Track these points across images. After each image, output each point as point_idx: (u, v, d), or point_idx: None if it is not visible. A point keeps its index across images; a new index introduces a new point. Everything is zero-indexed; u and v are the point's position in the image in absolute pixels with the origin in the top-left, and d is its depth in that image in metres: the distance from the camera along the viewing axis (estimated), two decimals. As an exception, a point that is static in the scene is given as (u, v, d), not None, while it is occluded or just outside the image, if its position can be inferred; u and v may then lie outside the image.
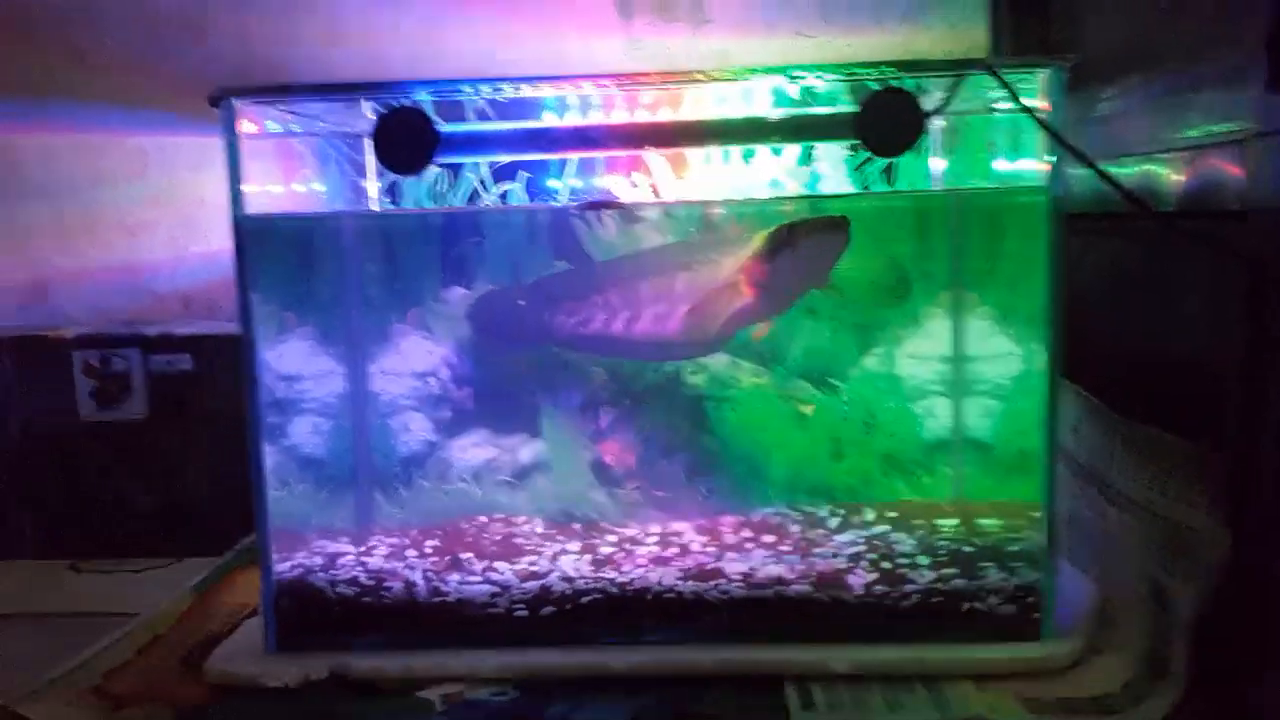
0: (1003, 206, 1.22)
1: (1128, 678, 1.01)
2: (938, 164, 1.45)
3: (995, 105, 1.24)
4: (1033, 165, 1.28)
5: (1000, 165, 1.40)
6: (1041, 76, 1.04)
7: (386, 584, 1.17)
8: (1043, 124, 0.99)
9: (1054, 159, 1.04)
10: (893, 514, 1.29)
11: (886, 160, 1.38)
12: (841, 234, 1.10)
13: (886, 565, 1.17)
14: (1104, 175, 0.97)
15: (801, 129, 1.11)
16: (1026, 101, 1.01)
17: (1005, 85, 0.99)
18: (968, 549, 1.19)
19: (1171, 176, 1.07)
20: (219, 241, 1.15)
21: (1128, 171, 1.16)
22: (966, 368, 1.29)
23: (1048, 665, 1.07)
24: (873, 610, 1.12)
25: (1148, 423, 1.07)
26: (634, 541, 1.28)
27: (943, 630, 1.11)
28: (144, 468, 1.49)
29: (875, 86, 1.06)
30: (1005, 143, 1.37)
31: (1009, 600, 1.11)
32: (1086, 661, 1.07)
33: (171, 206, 1.69)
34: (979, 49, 1.55)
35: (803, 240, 1.12)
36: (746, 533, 1.28)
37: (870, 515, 1.28)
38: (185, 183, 1.68)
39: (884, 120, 1.02)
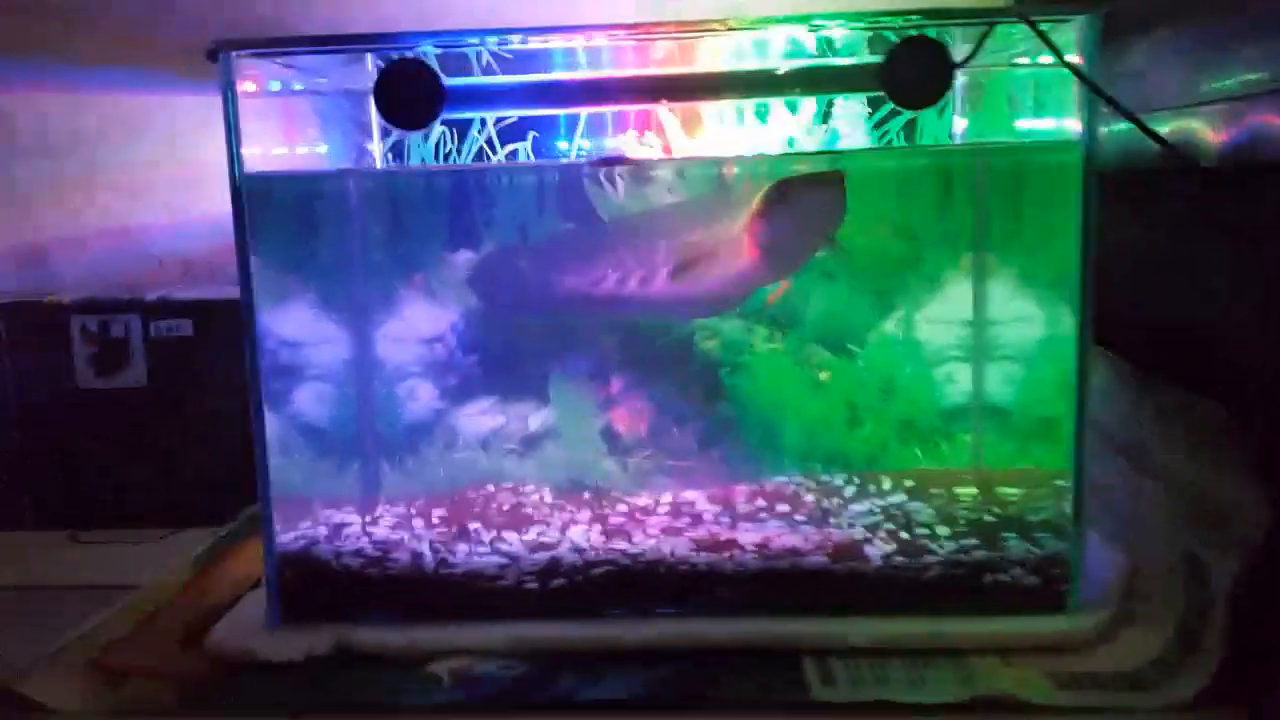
0: (1033, 164, 1.18)
1: (1158, 652, 0.97)
2: (959, 123, 1.40)
3: (1024, 58, 1.18)
4: (1056, 123, 1.24)
5: (1022, 124, 1.35)
6: (1075, 26, 0.99)
7: (392, 555, 1.14)
8: (1080, 75, 0.94)
9: (1087, 113, 0.99)
10: (910, 483, 1.26)
11: (906, 118, 1.33)
12: (834, 190, 1.06)
13: (906, 535, 1.14)
14: (1146, 128, 0.92)
15: (823, 81, 1.06)
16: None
17: (1041, 35, 0.94)
18: (990, 519, 1.16)
19: (1209, 131, 1.02)
20: (221, 203, 1.10)
21: (1161, 127, 1.11)
22: (990, 332, 1.25)
23: (1075, 639, 1.03)
24: (892, 582, 1.08)
25: (1174, 388, 1.03)
26: (645, 511, 1.25)
27: (966, 602, 1.07)
28: (144, 436, 1.47)
29: (896, 37, 1.01)
30: (1028, 99, 1.32)
31: (1034, 571, 1.07)
32: (1115, 635, 1.03)
33: (172, 167, 1.65)
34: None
35: (795, 198, 1.08)
36: (760, 502, 1.25)
37: (889, 484, 1.25)
38: (186, 143, 1.64)
39: (910, 71, 0.97)
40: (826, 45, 1.20)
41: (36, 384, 1.47)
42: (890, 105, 1.33)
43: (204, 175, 1.54)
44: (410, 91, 1.02)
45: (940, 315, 1.29)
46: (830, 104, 1.32)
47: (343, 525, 1.22)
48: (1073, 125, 1.17)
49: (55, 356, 1.46)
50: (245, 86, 1.13)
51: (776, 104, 1.32)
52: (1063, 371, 1.13)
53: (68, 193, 1.65)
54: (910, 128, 1.35)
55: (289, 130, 1.37)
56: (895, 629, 1.04)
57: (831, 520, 1.19)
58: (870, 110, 1.34)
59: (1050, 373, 1.18)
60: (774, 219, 1.11)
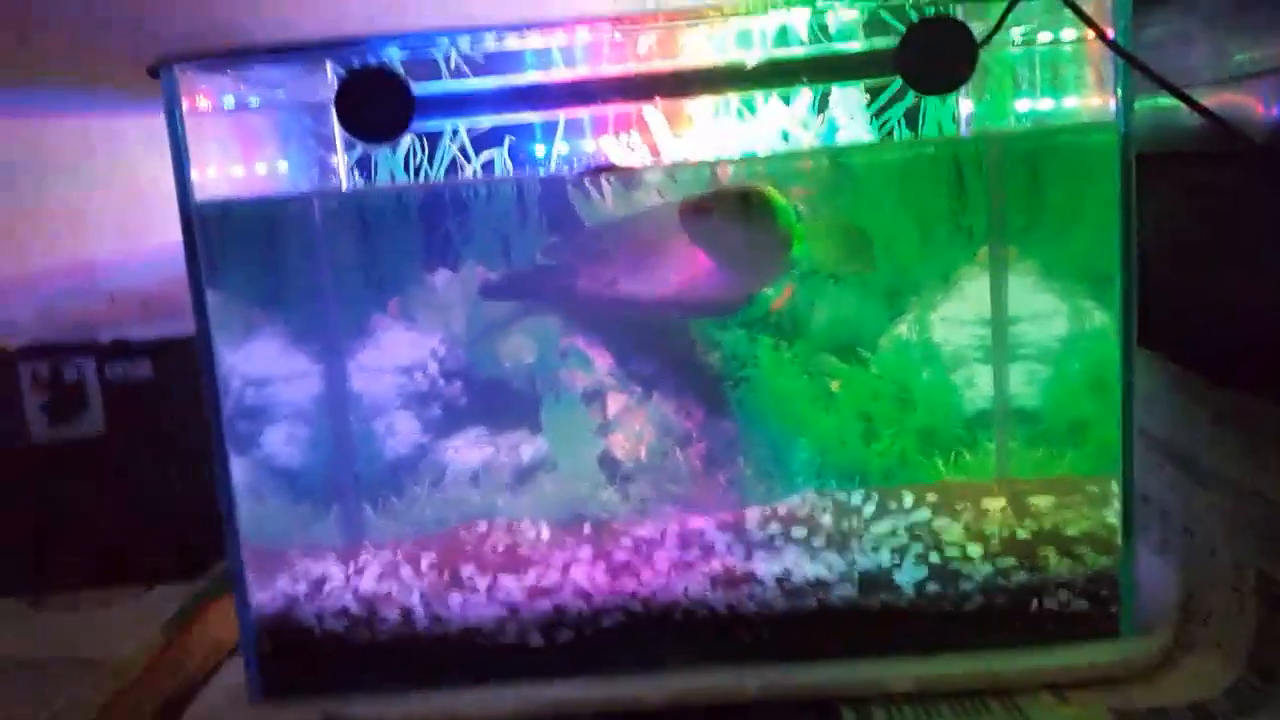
0: (1064, 147, 1.09)
1: (1229, 682, 0.89)
2: (965, 106, 1.31)
3: (1045, 33, 1.09)
4: (1071, 103, 1.15)
5: (1023, 106, 1.26)
6: (1105, -3, 0.90)
7: (380, 613, 1.04)
8: (1116, 48, 0.85)
9: (1123, 91, 0.90)
10: (933, 498, 1.17)
11: (907, 104, 1.24)
12: (744, 208, 0.96)
13: (936, 558, 1.04)
14: (1192, 103, 0.83)
15: (833, 68, 0.97)
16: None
17: (1073, 5, 0.85)
18: (1025, 535, 1.07)
19: (1254, 104, 0.93)
20: (178, 232, 1.00)
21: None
22: (1015, 331, 1.17)
23: (1133, 667, 0.95)
24: (930, 616, 0.99)
25: (1232, 392, 0.94)
26: (651, 543, 1.16)
27: (1011, 633, 0.98)
28: (106, 488, 1.36)
29: (913, 16, 0.92)
30: (1039, 79, 1.24)
31: (1081, 594, 0.99)
32: (1177, 662, 0.95)
33: (123, 194, 1.54)
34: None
35: (706, 218, 0.99)
36: (774, 527, 1.15)
37: (928, 499, 1.16)
38: (139, 166, 1.53)
39: (931, 53, 0.88)
40: (820, 32, 1.11)
41: (-16, 437, 1.36)
42: (891, 91, 1.25)
43: (159, 201, 1.42)
44: (375, 102, 0.92)
45: (961, 315, 1.21)
46: (827, 93, 1.23)
47: (323, 579, 1.12)
48: (1087, 104, 1.09)
49: (4, 406, 1.34)
50: (199, 102, 1.03)
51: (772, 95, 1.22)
52: (1099, 372, 1.05)
53: (10, 224, 1.53)
54: (913, 115, 1.26)
55: (245, 148, 1.26)
56: (937, 668, 0.96)
57: (854, 544, 1.10)
58: (870, 97, 1.25)
59: (1085, 373, 1.10)
60: (700, 237, 1.03)
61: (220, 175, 1.15)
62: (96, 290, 1.53)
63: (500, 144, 1.25)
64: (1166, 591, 1.00)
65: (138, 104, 1.45)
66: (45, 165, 1.53)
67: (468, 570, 1.10)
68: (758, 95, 1.20)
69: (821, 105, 1.24)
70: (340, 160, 1.32)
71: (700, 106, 1.21)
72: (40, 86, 1.51)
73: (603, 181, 1.22)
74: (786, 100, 1.23)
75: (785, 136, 1.25)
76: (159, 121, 1.00)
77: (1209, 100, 0.96)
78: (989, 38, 0.91)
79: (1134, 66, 0.84)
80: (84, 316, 1.48)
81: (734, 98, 1.19)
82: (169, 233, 1.05)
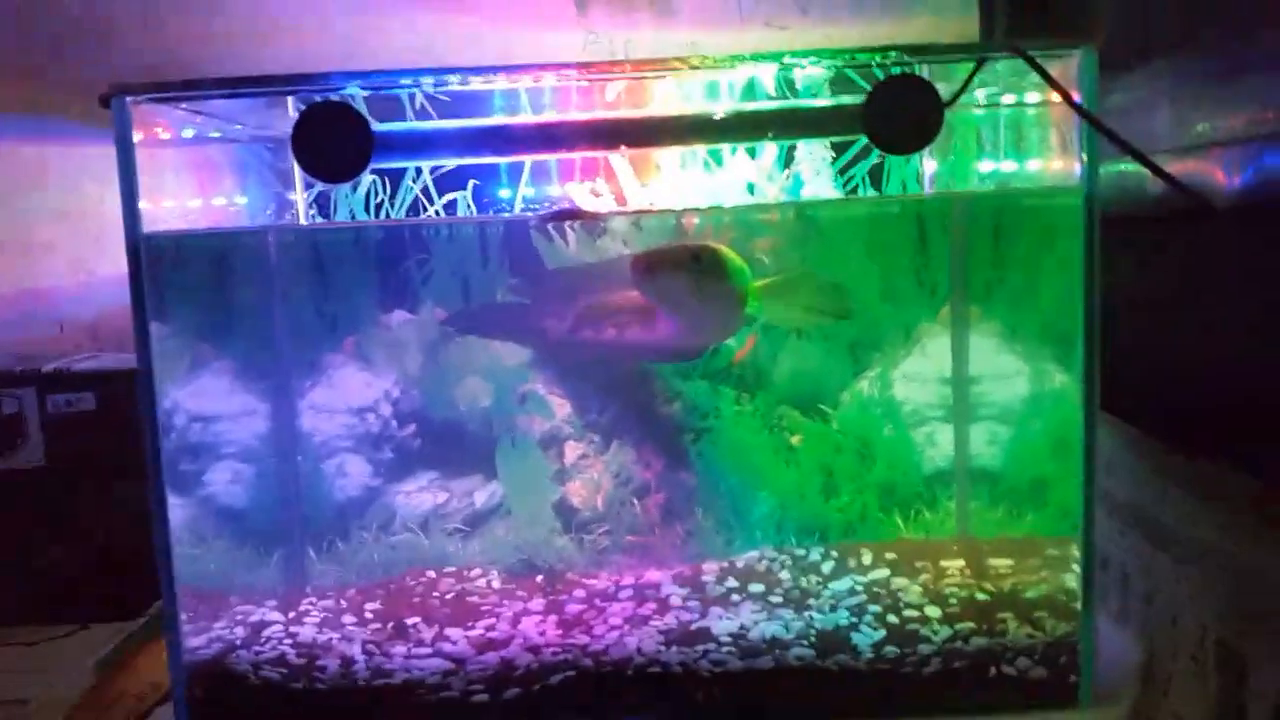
0: (1029, 208, 1.09)
1: (1189, 754, 0.87)
2: (929, 165, 1.32)
3: (1010, 97, 1.10)
4: (1034, 165, 1.16)
5: (987, 167, 1.27)
6: (1071, 61, 0.90)
7: (320, 662, 1.00)
8: (1083, 112, 0.85)
9: (1090, 153, 0.89)
10: (892, 555, 1.15)
11: (872, 161, 1.24)
12: (694, 267, 0.95)
13: (894, 619, 1.02)
14: (1155, 168, 0.83)
15: (798, 124, 0.96)
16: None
17: (1039, 69, 0.85)
18: (983, 596, 1.05)
19: (1217, 171, 0.93)
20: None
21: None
22: (977, 390, 1.16)
23: (1090, 737, 0.92)
24: (887, 678, 0.97)
25: (1196, 456, 0.93)
26: (605, 596, 1.13)
27: (968, 698, 0.96)
28: (44, 522, 1.31)
29: (879, 75, 0.92)
30: (1003, 140, 1.24)
31: (1040, 661, 0.97)
32: (1135, 731, 0.92)
33: (76, 223, 1.50)
34: (970, 40, 1.41)
35: (650, 276, 0.97)
36: (732, 581, 1.13)
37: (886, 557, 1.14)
38: (91, 197, 1.50)
39: (898, 112, 0.87)
40: (786, 88, 1.11)
41: (-83, 469, 1.31)
42: (856, 148, 1.25)
43: (111, 231, 1.39)
44: (334, 139, 0.89)
45: (923, 372, 1.20)
46: (793, 148, 1.23)
47: (262, 625, 1.08)
48: (1050, 167, 1.09)
49: (-62, 437, 1.30)
50: (157, 132, 1.01)
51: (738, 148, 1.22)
52: (1060, 433, 1.04)
53: (-43, 253, 1.49)
54: (877, 172, 1.26)
55: (200, 182, 1.24)
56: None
57: (811, 602, 1.08)
58: (835, 154, 1.25)
59: (1047, 434, 1.09)
60: (659, 304, 1.02)
61: (175, 208, 1.12)
62: (45, 320, 1.49)
63: (464, 186, 1.23)
64: (1126, 659, 0.99)
65: (94, 133, 1.42)
66: (-5, 195, 1.50)
67: (413, 620, 1.07)
68: (724, 148, 1.20)
69: (788, 160, 1.24)
70: (299, 195, 1.29)
71: (668, 157, 1.21)
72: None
73: (566, 228, 1.21)
74: (753, 154, 1.23)
75: (751, 189, 1.25)
76: (113, 152, 0.97)
77: (1172, 167, 0.97)
78: (955, 98, 0.91)
79: (1099, 131, 0.84)
80: (31, 346, 1.44)
81: (701, 149, 1.19)
82: (121, 263, 1.02)
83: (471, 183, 1.22)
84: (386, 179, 1.24)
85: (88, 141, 1.46)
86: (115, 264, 1.42)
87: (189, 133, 1.15)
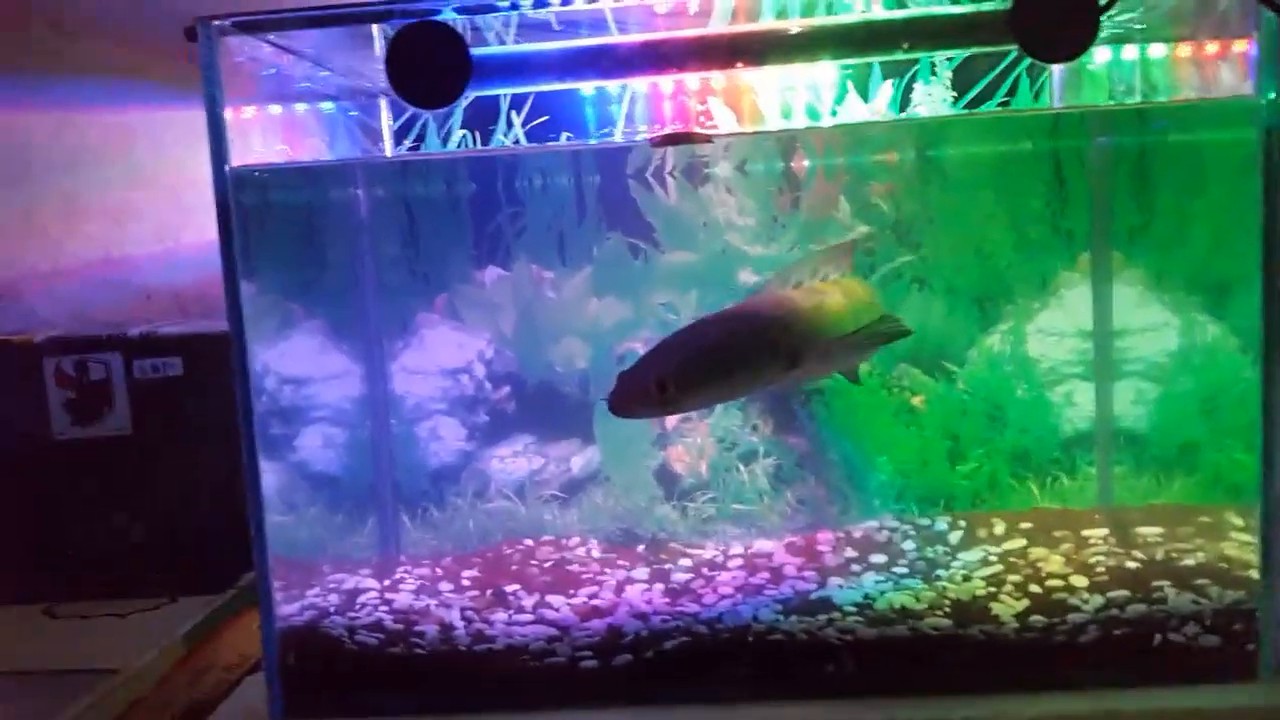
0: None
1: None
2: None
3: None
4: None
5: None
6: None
7: (417, 628, 0.94)
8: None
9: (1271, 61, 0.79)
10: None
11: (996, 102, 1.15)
12: (651, 403, 0.84)
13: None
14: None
15: (937, 32, 0.86)
16: None
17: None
18: (1152, 567, 0.95)
19: None
20: (215, 229, 0.93)
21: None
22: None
23: (1274, 714, 0.82)
24: (1037, 648, 0.87)
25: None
26: (713, 566, 1.05)
27: (1128, 671, 0.86)
28: (130, 491, 1.27)
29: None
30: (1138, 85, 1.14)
31: (1211, 630, 0.87)
32: (1323, 710, 0.82)
33: (161, 190, 1.47)
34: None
35: (627, 413, 0.88)
36: (850, 552, 1.05)
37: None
38: (176, 162, 1.46)
39: (1048, 15, 0.78)
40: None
41: (5, 435, 1.28)
42: (981, 86, 1.16)
43: (196, 198, 1.35)
44: (429, 61, 0.83)
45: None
46: (911, 90, 1.14)
47: (357, 591, 1.02)
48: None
49: (27, 403, 1.27)
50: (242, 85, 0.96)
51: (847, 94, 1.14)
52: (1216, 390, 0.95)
53: (46, 222, 1.47)
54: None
55: (290, 143, 1.19)
56: (1046, 707, 0.84)
57: (941, 572, 0.99)
58: (956, 95, 1.16)
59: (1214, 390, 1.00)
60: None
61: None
62: (131, 286, 1.46)
63: (556, 138, 1.17)
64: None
65: (180, 98, 1.39)
66: (82, 160, 1.48)
67: (512, 588, 1.01)
68: (829, 94, 1.12)
69: (904, 105, 1.16)
70: (388, 152, 1.24)
71: (770, 103, 1.13)
72: (79, 78, 1.46)
73: (665, 174, 1.14)
74: (865, 98, 1.14)
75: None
76: (198, 116, 0.92)
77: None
78: (1111, 3, 0.81)
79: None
80: (119, 314, 1.42)
81: (809, 96, 1.11)
82: (208, 230, 0.98)
83: (565, 136, 1.16)
84: (477, 133, 1.18)
85: (172, 105, 1.43)
86: (203, 232, 1.39)
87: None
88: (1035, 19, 0.79)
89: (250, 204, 0.93)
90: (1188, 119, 1.03)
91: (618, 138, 1.09)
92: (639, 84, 1.09)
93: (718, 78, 1.11)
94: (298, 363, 1.12)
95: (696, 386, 0.85)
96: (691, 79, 1.10)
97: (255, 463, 0.92)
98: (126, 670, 1.03)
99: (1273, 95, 0.81)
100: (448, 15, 0.87)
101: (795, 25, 0.88)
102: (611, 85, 1.08)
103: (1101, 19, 0.79)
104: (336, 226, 1.14)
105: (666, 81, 1.10)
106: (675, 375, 0.83)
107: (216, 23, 0.88)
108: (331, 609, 0.99)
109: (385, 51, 0.84)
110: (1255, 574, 0.87)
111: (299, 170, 1.11)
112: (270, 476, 0.97)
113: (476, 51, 0.86)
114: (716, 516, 1.15)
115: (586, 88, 1.10)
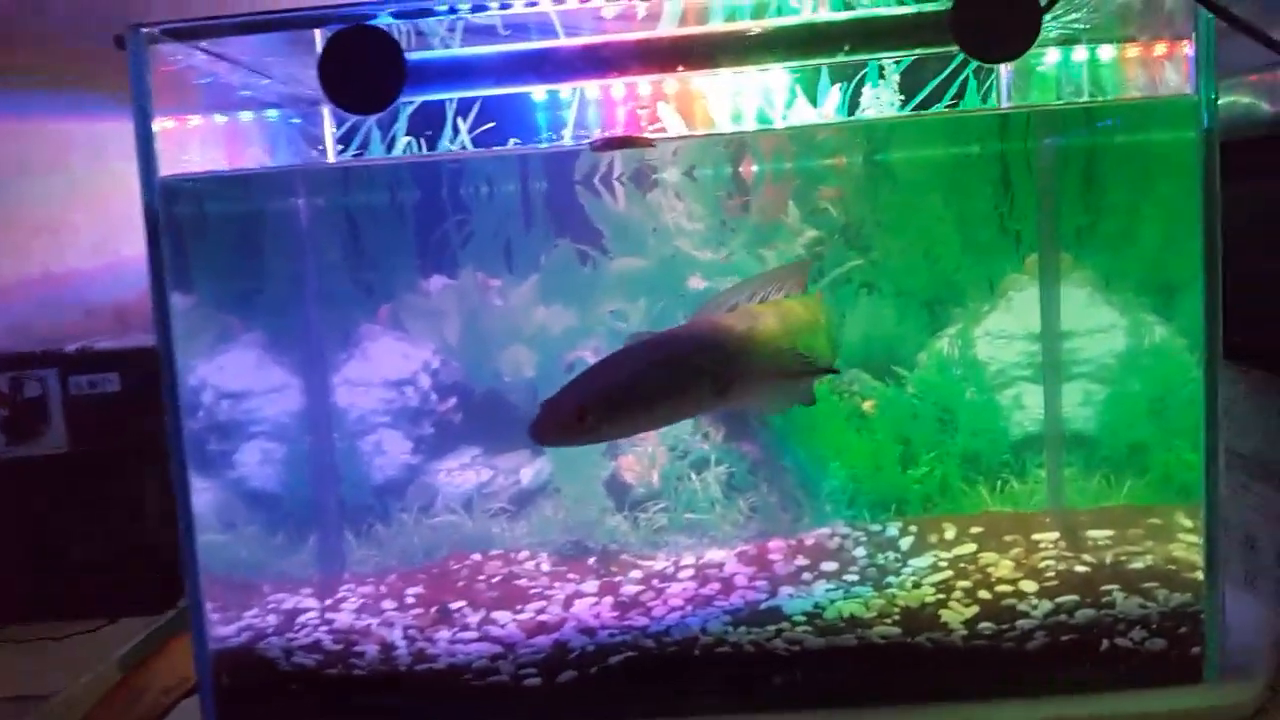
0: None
1: (1342, 737, 0.76)
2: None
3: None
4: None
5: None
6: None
7: (357, 648, 0.92)
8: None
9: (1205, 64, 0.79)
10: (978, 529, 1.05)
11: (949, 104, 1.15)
12: (573, 433, 0.83)
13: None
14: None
15: (879, 33, 0.85)
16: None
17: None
18: (1101, 571, 0.95)
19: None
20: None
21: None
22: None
23: (1220, 716, 0.82)
24: (987, 656, 0.86)
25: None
26: (664, 578, 1.04)
27: (1076, 676, 0.86)
28: (68, 511, 1.25)
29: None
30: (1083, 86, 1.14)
31: (1158, 633, 0.86)
32: (1270, 713, 0.82)
33: (100, 203, 1.44)
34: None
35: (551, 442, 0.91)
36: (800, 560, 1.04)
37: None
38: (117, 174, 1.43)
39: (989, 15, 0.77)
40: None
41: (-64, 456, 1.25)
42: (928, 90, 1.15)
43: (137, 211, 1.33)
44: (363, 65, 0.81)
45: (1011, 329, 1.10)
46: (859, 92, 1.13)
47: (297, 612, 1.00)
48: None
49: (-42, 422, 1.23)
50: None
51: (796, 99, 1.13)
52: (1164, 390, 0.94)
53: (-20, 235, 1.44)
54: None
55: (230, 153, 1.16)
56: (995, 715, 0.83)
57: (891, 580, 0.98)
58: (904, 99, 1.16)
59: (1168, 391, 0.99)
60: None
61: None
62: (70, 302, 1.43)
63: (504, 144, 1.15)
64: (1258, 631, 0.88)
65: (120, 109, 1.36)
66: (19, 173, 1.44)
67: (457, 604, 0.99)
68: (780, 99, 1.11)
69: (852, 108, 1.15)
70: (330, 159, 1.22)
71: (720, 109, 1.12)
72: (15, 90, 1.43)
73: (613, 181, 1.13)
74: (814, 102, 1.14)
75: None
76: None
77: None
78: (1052, 3, 0.81)
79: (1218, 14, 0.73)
80: (58, 330, 1.38)
81: (759, 99, 1.10)
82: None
83: (512, 141, 1.14)
84: (423, 141, 1.16)
85: (112, 116, 1.40)
86: (141, 244, 1.36)
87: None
88: (975, 19, 0.79)
89: (184, 215, 0.91)
90: (1129, 119, 1.03)
91: (567, 142, 1.07)
92: (591, 89, 1.08)
93: (670, 82, 1.10)
94: (235, 377, 1.09)
95: (617, 415, 0.83)
96: (643, 84, 1.09)
97: (185, 481, 0.90)
98: (58, 696, 1.00)
99: (1209, 95, 0.81)
100: (383, 20, 0.86)
101: (736, 28, 0.86)
102: (564, 90, 1.07)
103: (1044, 19, 0.79)
104: (275, 236, 1.12)
105: (618, 86, 1.09)
106: (596, 404, 0.81)
107: (146, 30, 0.86)
108: (269, 630, 0.96)
109: (320, 56, 0.82)
110: (1201, 576, 0.87)
111: (235, 179, 1.08)
112: (207, 494, 0.95)
113: (413, 56, 0.85)
114: (668, 526, 1.14)
115: (538, 93, 1.09)
